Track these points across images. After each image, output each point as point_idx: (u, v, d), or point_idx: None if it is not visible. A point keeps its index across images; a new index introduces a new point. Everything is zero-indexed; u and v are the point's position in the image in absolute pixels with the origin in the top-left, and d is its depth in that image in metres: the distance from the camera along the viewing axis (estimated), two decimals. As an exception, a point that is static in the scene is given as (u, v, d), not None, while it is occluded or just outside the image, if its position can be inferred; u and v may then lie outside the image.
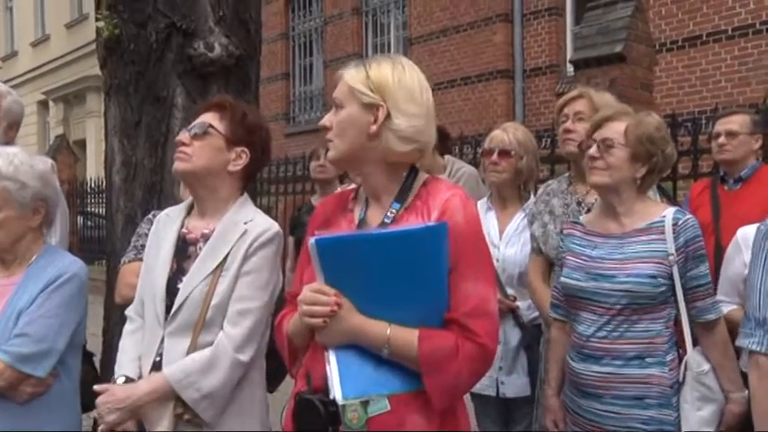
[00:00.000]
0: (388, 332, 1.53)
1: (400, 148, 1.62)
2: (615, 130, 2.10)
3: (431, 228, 1.53)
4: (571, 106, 2.67)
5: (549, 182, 2.84)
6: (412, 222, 1.61)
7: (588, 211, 2.49)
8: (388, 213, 1.64)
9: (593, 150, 2.10)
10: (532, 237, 2.70)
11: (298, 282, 1.74)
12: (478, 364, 1.55)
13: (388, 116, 1.61)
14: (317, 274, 1.55)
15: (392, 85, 1.62)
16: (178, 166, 1.99)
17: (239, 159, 2.02)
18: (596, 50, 5.87)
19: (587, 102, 2.63)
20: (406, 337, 1.53)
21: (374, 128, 1.61)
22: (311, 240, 1.53)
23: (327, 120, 1.67)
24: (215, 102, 2.11)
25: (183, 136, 2.00)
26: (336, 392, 1.50)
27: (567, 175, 2.79)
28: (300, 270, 1.75)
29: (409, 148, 1.63)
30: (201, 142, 1.98)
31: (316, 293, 1.55)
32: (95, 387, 1.96)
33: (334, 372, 1.53)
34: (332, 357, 1.55)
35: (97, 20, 3.13)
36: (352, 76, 1.64)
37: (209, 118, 2.03)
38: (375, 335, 1.54)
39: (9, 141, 2.58)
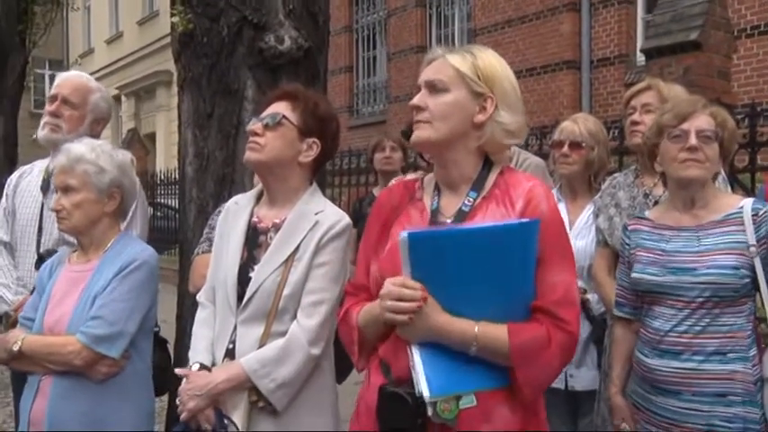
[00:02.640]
0: (477, 330, 1.51)
1: (506, 141, 1.65)
2: (708, 122, 2.05)
3: (525, 224, 1.52)
4: (639, 98, 2.62)
5: (615, 175, 2.79)
6: (493, 211, 1.60)
7: (656, 203, 2.44)
8: (466, 201, 1.62)
9: (694, 141, 2.02)
10: (598, 229, 2.66)
11: (361, 273, 1.73)
12: (568, 352, 1.56)
13: (495, 108, 1.61)
14: (403, 268, 1.53)
15: (502, 78, 1.63)
16: (250, 156, 1.99)
17: (310, 150, 2.02)
18: (670, 38, 5.69)
19: (656, 93, 2.58)
20: (494, 333, 1.51)
21: (481, 118, 1.62)
22: (403, 234, 1.50)
23: (421, 100, 1.64)
24: (286, 90, 2.10)
25: (256, 126, 2.00)
26: (424, 390, 1.48)
27: (633, 167, 2.74)
28: (364, 260, 1.74)
29: (512, 141, 1.66)
30: (274, 133, 1.98)
31: (400, 287, 1.51)
32: (176, 370, 2.02)
33: (419, 369, 1.51)
34: (416, 354, 1.53)
35: (172, 15, 3.22)
36: (459, 61, 1.63)
37: (281, 108, 2.02)
38: (463, 333, 1.52)
39: (95, 135, 2.70)
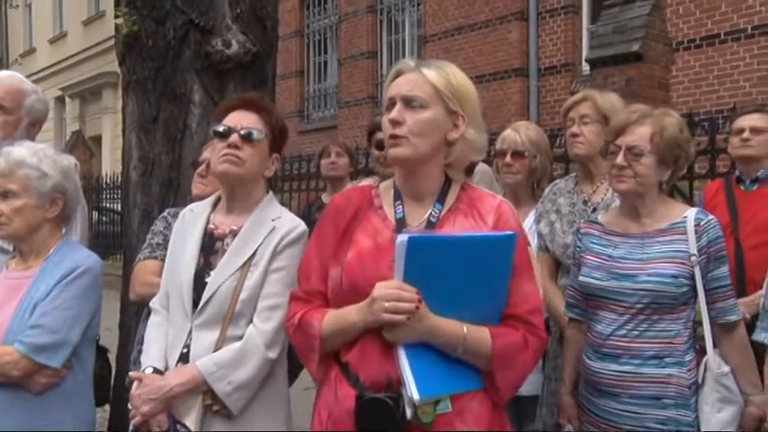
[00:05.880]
0: (465, 330, 1.57)
1: (474, 157, 1.73)
2: (640, 135, 2.07)
3: (510, 235, 1.61)
4: (576, 110, 2.68)
5: (557, 181, 2.85)
6: (461, 222, 1.66)
7: (594, 210, 2.51)
8: (433, 212, 1.67)
9: (620, 159, 2.06)
10: (539, 235, 2.71)
11: (316, 279, 1.72)
12: (539, 355, 1.70)
13: (466, 126, 1.67)
14: (396, 270, 1.55)
15: (471, 97, 1.68)
16: (229, 169, 1.96)
17: (273, 165, 2.06)
18: (613, 49, 5.86)
19: (592, 104, 2.64)
20: (479, 335, 1.59)
21: (454, 135, 1.66)
22: (403, 237, 1.53)
23: (400, 115, 1.64)
24: (253, 100, 2.09)
25: (234, 138, 1.96)
26: (413, 392, 1.51)
27: (573, 174, 2.80)
28: (319, 266, 1.72)
29: (478, 158, 1.74)
30: (253, 148, 1.98)
31: (397, 290, 1.53)
32: (131, 374, 1.99)
33: (407, 371, 1.54)
34: (403, 356, 1.55)
35: (116, 16, 3.16)
36: (435, 77, 1.65)
37: (251, 120, 2.00)
38: (452, 334, 1.58)
39: (31, 138, 2.59)
